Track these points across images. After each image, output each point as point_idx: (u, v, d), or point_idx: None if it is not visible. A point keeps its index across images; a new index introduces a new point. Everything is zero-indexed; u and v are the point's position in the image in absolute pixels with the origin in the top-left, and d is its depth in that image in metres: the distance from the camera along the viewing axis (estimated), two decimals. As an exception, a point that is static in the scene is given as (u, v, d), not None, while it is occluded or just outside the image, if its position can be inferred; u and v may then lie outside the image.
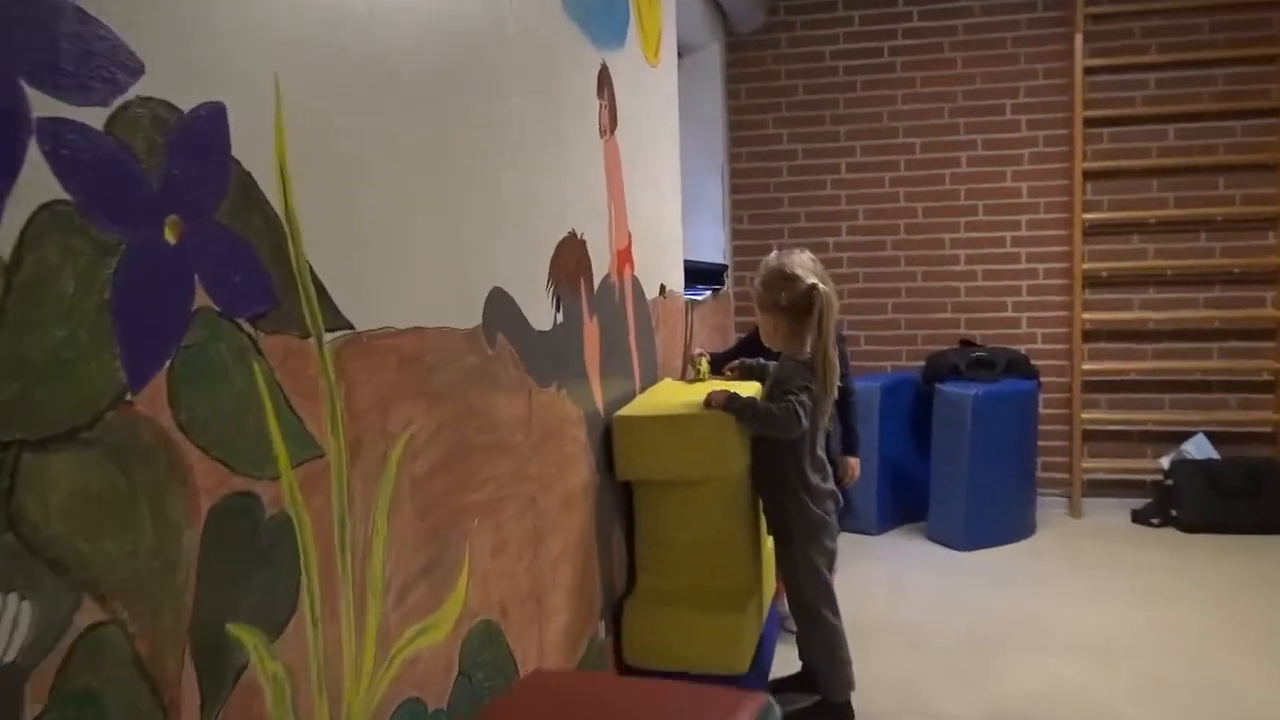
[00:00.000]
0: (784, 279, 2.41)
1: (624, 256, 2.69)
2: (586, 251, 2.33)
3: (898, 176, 4.72)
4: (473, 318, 1.67)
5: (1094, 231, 4.51)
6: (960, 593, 3.61)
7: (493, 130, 1.78)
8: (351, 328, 1.29)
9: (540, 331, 2.00)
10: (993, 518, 4.11)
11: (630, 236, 2.76)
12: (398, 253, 1.42)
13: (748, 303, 4.89)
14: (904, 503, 4.40)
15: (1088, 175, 4.51)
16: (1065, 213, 4.57)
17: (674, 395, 2.69)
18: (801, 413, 2.30)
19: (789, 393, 2.33)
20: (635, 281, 2.80)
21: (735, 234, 4.86)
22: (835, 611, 2.48)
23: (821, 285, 2.37)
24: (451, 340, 1.58)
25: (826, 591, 2.46)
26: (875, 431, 4.18)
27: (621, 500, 2.57)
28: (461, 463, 1.61)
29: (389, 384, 1.38)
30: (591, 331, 2.37)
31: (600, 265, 2.44)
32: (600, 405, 2.42)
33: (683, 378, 3.38)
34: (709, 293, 4.07)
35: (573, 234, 2.22)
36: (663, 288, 3.19)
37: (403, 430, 1.41)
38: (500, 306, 1.79)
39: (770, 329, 2.48)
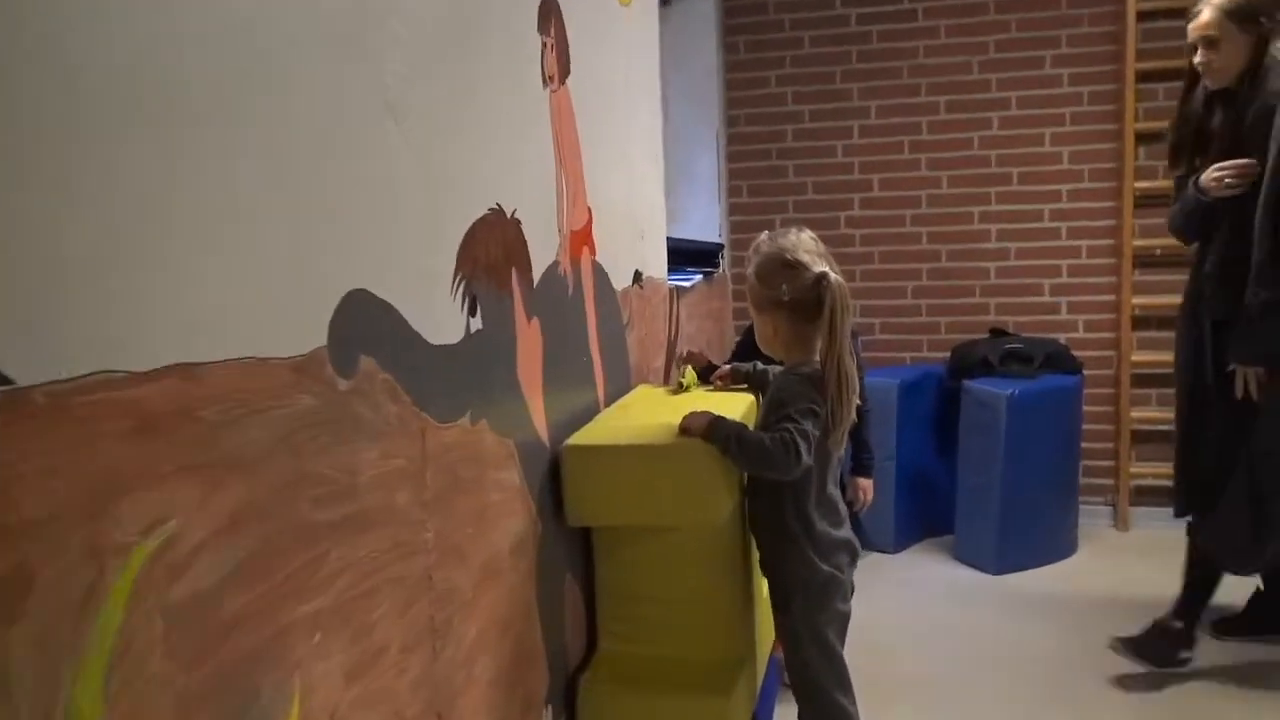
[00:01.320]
0: (784, 268, 1.85)
1: (581, 238, 2.14)
2: (521, 234, 1.78)
3: (919, 141, 4.14)
4: (307, 339, 1.13)
5: (1146, 203, 3.91)
6: (995, 631, 3.07)
7: (356, 67, 1.23)
8: (8, 382, 0.74)
9: (440, 346, 1.45)
10: (1030, 535, 3.56)
11: (590, 214, 2.20)
12: (139, 249, 0.87)
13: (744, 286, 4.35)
14: (925, 516, 3.85)
15: (1140, 138, 3.91)
16: (1113, 181, 3.98)
17: (647, 413, 2.14)
18: (803, 447, 1.74)
19: (789, 418, 1.77)
20: (598, 269, 2.25)
21: (733, 209, 4.29)
22: (847, 691, 1.94)
23: (832, 274, 1.82)
24: (262, 378, 1.04)
25: (837, 668, 1.92)
26: (892, 434, 3.63)
27: (579, 546, 2.04)
28: (285, 559, 1.07)
29: (110, 465, 0.83)
30: (530, 337, 1.82)
31: (543, 251, 1.89)
32: (544, 432, 1.87)
33: (665, 382, 2.83)
34: (699, 277, 3.52)
35: (498, 211, 1.67)
36: (638, 275, 2.64)
37: (142, 537, 0.87)
38: (364, 318, 1.24)
39: (768, 333, 1.92)
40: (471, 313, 1.57)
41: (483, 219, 1.61)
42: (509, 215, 1.72)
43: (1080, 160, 4.02)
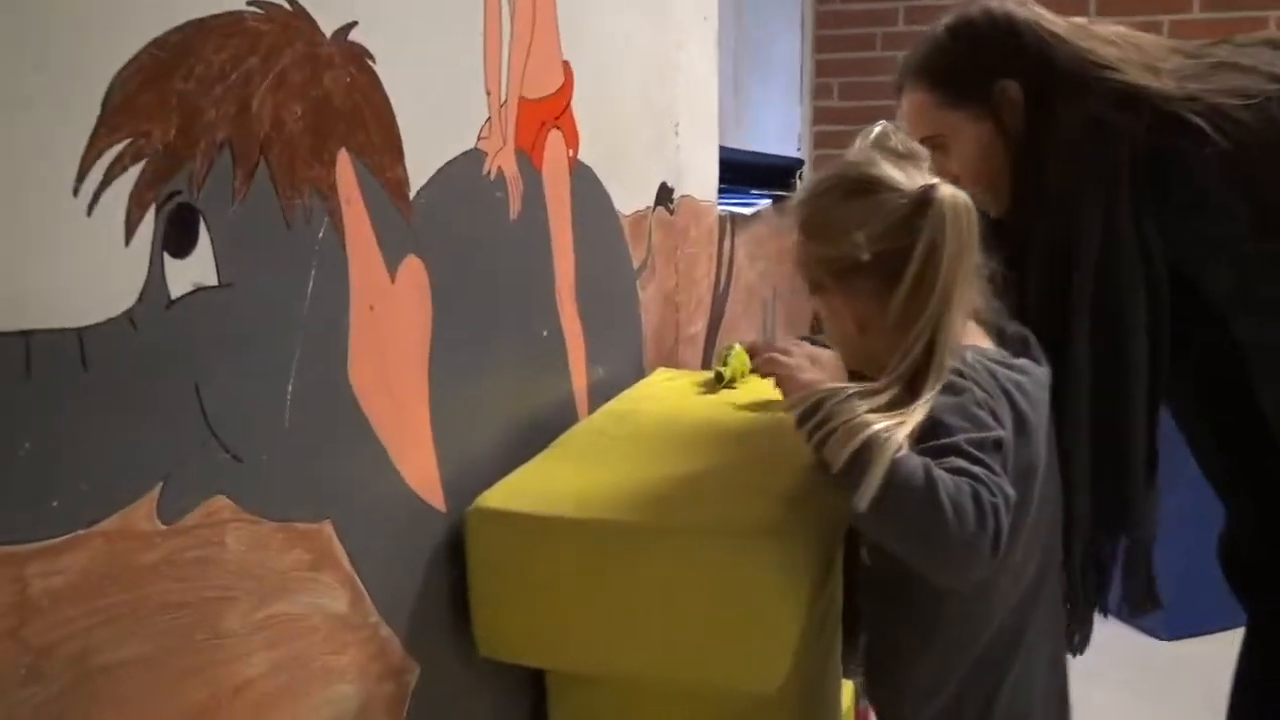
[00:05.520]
0: (853, 199, 0.90)
1: (542, 114, 1.19)
2: (373, 80, 0.85)
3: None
4: None
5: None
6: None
7: None
8: None
9: (72, 332, 0.54)
10: (1213, 586, 2.55)
11: (569, 74, 1.25)
12: None
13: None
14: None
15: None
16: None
17: (653, 434, 1.21)
18: (1001, 509, 0.76)
19: (956, 452, 0.79)
20: (580, 174, 1.30)
21: (818, 115, 3.25)
22: None
23: (943, 184, 0.87)
24: None
25: None
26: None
27: (518, 695, 1.12)
28: None
29: None
30: (397, 299, 0.89)
31: (440, 126, 0.95)
32: (428, 482, 0.96)
33: (704, 365, 1.89)
34: (766, 203, 2.53)
35: (290, 17, 0.73)
36: (666, 192, 1.68)
37: None
38: None
39: (846, 330, 0.95)
40: (178, 244, 0.65)
41: (220, 24, 0.67)
42: (325, 44, 0.78)
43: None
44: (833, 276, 0.91)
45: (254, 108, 0.70)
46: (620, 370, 1.46)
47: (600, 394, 1.36)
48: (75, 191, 0.58)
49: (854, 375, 0.97)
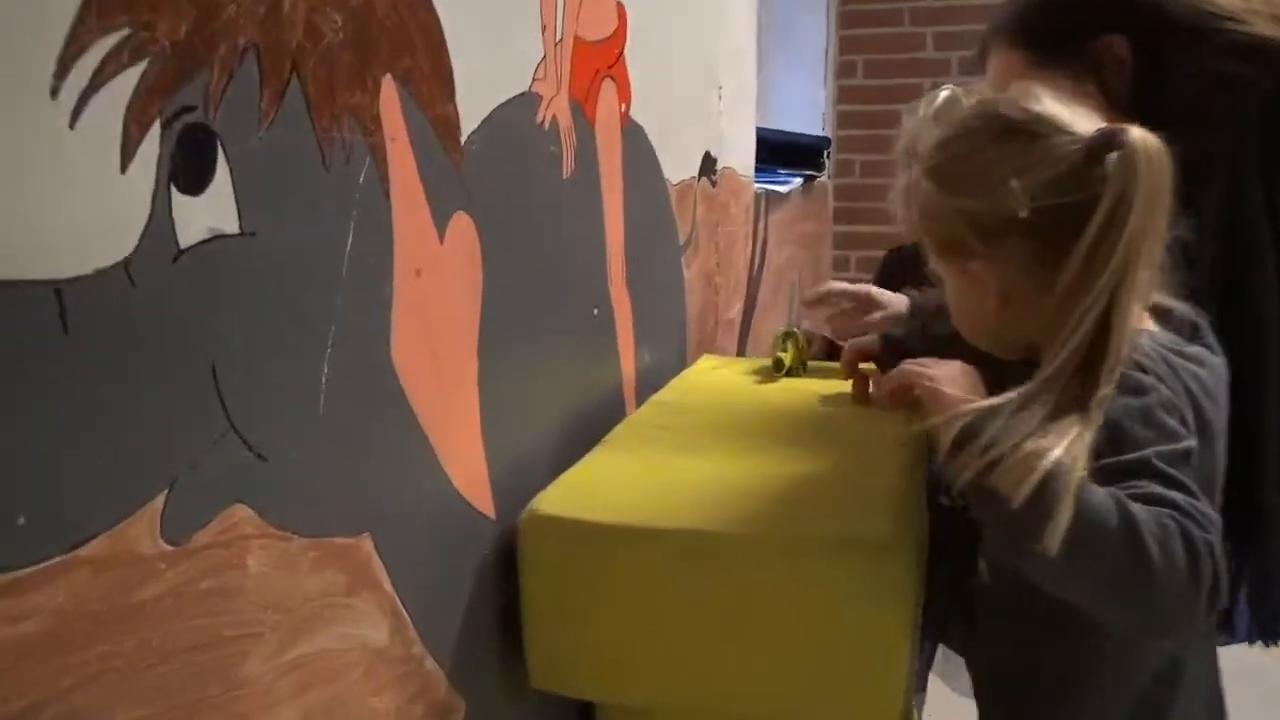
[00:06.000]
0: (1012, 139, 0.72)
1: (598, 60, 1.03)
2: (425, 7, 0.69)
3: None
4: None
5: None
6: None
7: None
8: None
9: (42, 287, 0.39)
10: None
11: (624, 16, 1.10)
12: None
13: (856, 203, 3.19)
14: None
15: None
16: None
17: (728, 426, 1.07)
18: (1215, 546, 0.60)
19: (1148, 471, 0.63)
20: (633, 133, 1.15)
21: (842, 93, 3.10)
22: None
23: (1132, 130, 0.68)
24: None
25: None
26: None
27: None
28: None
29: None
30: (445, 263, 0.74)
31: (491, 64, 0.80)
32: (477, 484, 0.80)
33: (739, 352, 1.75)
34: (798, 182, 2.38)
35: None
36: (710, 162, 1.53)
37: None
38: None
39: (989, 296, 0.76)
40: (190, 177, 0.49)
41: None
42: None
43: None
44: (977, 235, 0.73)
45: (285, 8, 0.55)
46: (664, 357, 1.31)
47: (647, 383, 1.21)
48: (54, 93, 0.42)
49: (979, 359, 0.82)
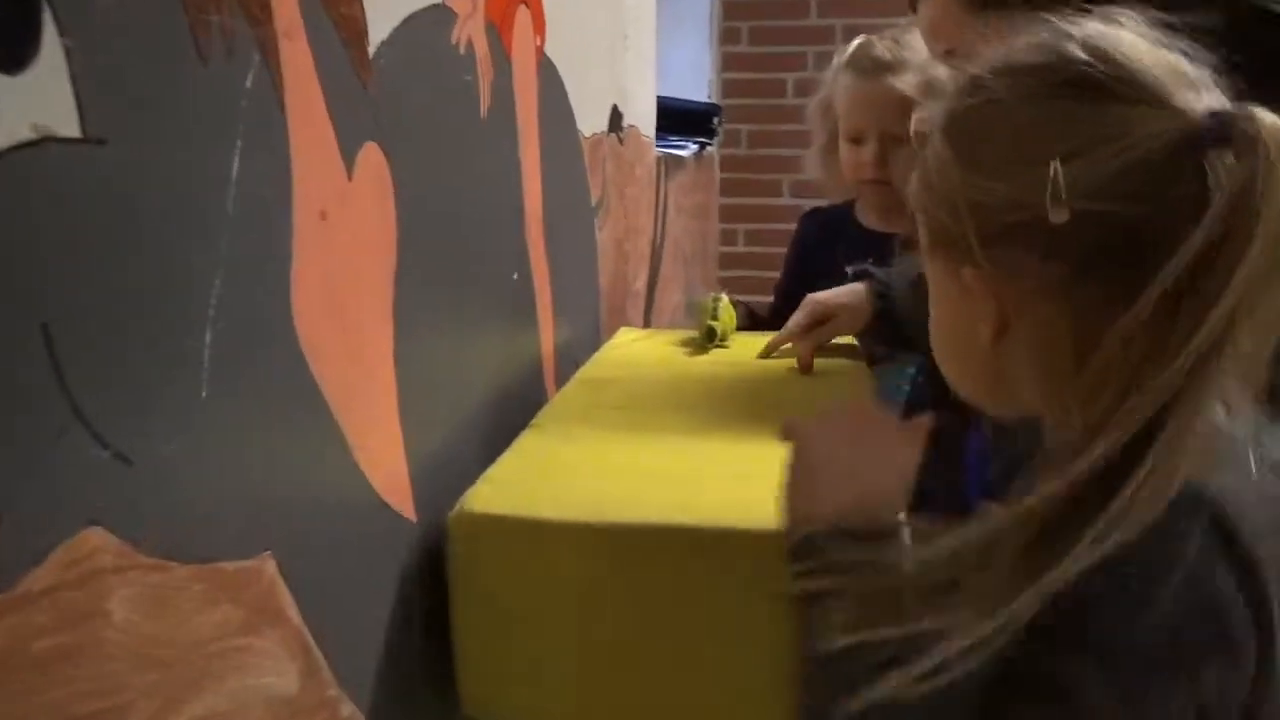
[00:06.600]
0: (1067, 95, 0.46)
1: (511, -18, 0.89)
2: None
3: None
4: None
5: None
6: None
7: None
8: None
9: None
10: None
11: (535, -64, 0.95)
12: None
13: (740, 174, 3.10)
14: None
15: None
16: None
17: (668, 404, 0.94)
18: None
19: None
20: (546, 70, 1.01)
21: (727, 61, 3.00)
22: None
23: (1267, 117, 0.43)
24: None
25: None
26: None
27: None
28: None
29: None
30: (355, 203, 0.59)
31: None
32: (392, 477, 0.66)
33: (644, 324, 1.63)
34: (693, 149, 2.27)
35: None
36: (618, 118, 1.40)
37: None
38: None
39: (981, 326, 0.50)
40: (5, 49, 0.33)
41: None
42: None
43: None
44: (978, 232, 0.48)
45: None
46: (580, 331, 1.18)
47: (566, 359, 1.08)
48: None
49: (945, 398, 0.58)
